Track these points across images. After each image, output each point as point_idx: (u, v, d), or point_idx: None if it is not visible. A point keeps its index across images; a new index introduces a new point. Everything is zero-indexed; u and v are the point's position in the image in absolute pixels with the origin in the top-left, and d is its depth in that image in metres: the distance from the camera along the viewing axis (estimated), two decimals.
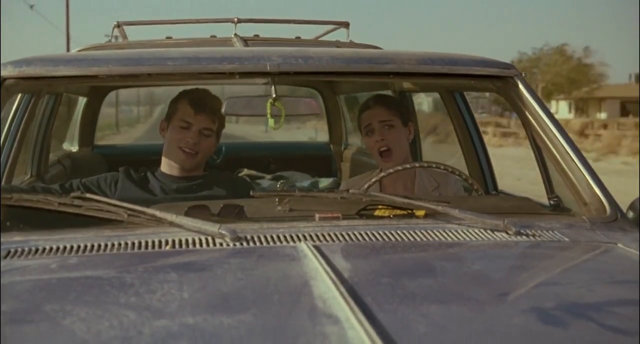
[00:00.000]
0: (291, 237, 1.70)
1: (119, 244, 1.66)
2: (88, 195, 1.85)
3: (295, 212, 1.92)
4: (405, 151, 2.79)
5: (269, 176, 4.26)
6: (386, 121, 2.77)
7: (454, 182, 2.75)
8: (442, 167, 2.43)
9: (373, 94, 3.35)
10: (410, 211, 1.93)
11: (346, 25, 3.45)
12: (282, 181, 4.06)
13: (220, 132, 2.69)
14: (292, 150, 5.04)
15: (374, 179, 2.38)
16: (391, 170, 2.44)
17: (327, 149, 4.85)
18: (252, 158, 4.56)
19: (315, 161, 4.67)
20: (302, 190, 2.11)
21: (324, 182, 4.06)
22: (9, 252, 1.63)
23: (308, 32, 3.65)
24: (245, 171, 4.30)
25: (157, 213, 1.76)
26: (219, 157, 4.52)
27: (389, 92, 3.77)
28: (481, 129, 3.36)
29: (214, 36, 3.20)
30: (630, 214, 2.04)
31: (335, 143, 4.84)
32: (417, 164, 2.63)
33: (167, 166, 2.63)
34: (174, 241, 1.67)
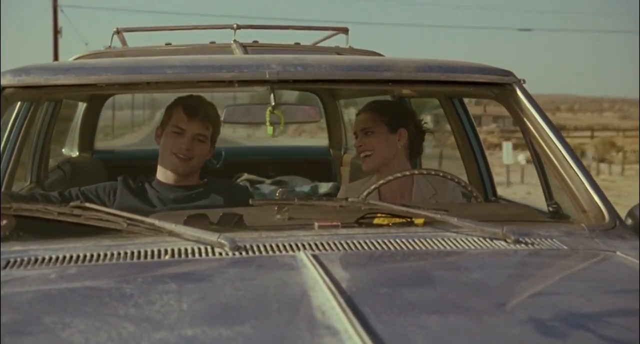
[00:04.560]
0: (290, 246, 1.70)
1: (118, 254, 1.66)
2: (87, 204, 1.85)
3: (294, 220, 1.93)
4: (387, 156, 2.79)
5: (268, 181, 4.26)
6: (366, 128, 2.82)
7: (451, 189, 2.75)
8: (441, 174, 2.44)
9: (372, 99, 3.36)
10: (409, 219, 1.93)
11: (345, 31, 3.45)
12: (281, 186, 4.05)
13: (216, 138, 2.70)
14: (292, 154, 5.04)
15: (372, 187, 2.38)
16: (390, 177, 2.44)
17: (326, 154, 4.85)
18: (252, 163, 4.55)
19: (315, 165, 4.67)
20: (301, 197, 2.11)
21: (324, 187, 4.06)
22: (8, 262, 1.63)
23: (307, 38, 3.66)
24: (245, 176, 4.29)
25: (156, 222, 1.77)
26: (219, 161, 4.52)
27: (387, 98, 3.77)
28: None
29: (214, 42, 3.21)
30: (629, 221, 2.04)
31: (335, 147, 4.84)
32: (416, 172, 2.63)
33: (162, 174, 2.63)
34: (173, 251, 1.67)
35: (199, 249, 1.68)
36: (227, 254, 1.65)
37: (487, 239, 1.80)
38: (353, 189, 2.77)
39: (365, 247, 1.73)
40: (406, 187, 2.80)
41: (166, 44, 3.24)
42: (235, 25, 3.17)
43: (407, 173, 2.53)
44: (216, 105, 2.68)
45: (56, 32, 28.73)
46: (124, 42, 3.49)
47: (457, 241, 1.79)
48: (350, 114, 4.92)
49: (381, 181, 2.44)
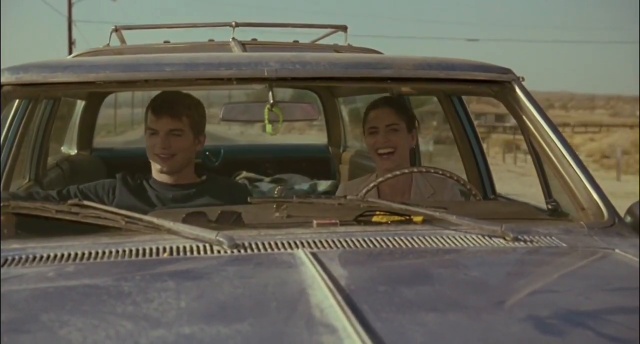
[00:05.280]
0: (289, 244, 1.70)
1: (117, 252, 1.66)
2: (86, 202, 1.84)
3: (292, 218, 1.92)
4: (406, 156, 2.78)
5: (267, 179, 4.26)
6: (392, 124, 2.75)
7: (450, 189, 2.74)
8: (440, 172, 2.43)
9: (374, 95, 3.34)
10: (407, 217, 1.93)
11: (344, 28, 3.44)
12: (280, 184, 4.05)
13: (199, 126, 2.63)
14: (291, 152, 5.04)
15: (371, 185, 2.37)
16: (389, 175, 2.43)
17: (325, 152, 4.85)
18: (251, 161, 4.55)
19: (314, 163, 4.66)
20: (299, 195, 2.11)
21: (323, 184, 4.06)
22: (6, 260, 1.62)
23: (306, 36, 3.66)
24: (244, 174, 4.29)
25: (155, 220, 1.76)
26: (217, 160, 4.51)
27: (386, 95, 3.77)
28: None
29: (212, 40, 3.20)
30: (628, 219, 2.04)
31: (334, 145, 4.84)
32: (415, 169, 2.62)
33: (156, 174, 2.62)
34: (171, 249, 1.67)
35: (198, 247, 1.68)
36: (225, 252, 1.65)
37: (486, 237, 1.80)
38: (352, 187, 2.76)
39: (364, 245, 1.73)
40: (405, 187, 2.79)
41: (164, 42, 3.24)
42: (233, 23, 3.17)
43: (406, 171, 2.53)
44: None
45: (70, 43, 32.45)
46: (122, 40, 3.48)
47: (455, 239, 1.78)
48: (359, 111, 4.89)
49: (380, 179, 2.44)
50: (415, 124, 2.82)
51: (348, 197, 2.00)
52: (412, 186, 2.79)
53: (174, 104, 2.58)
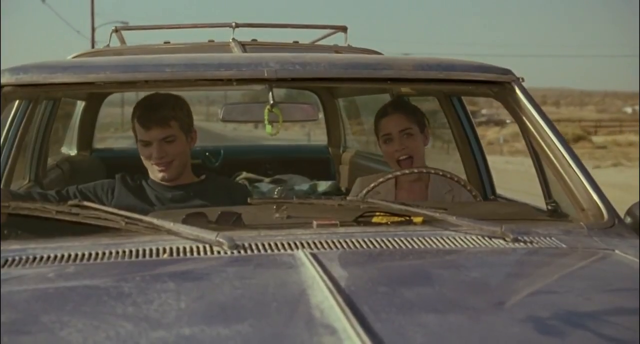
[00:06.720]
0: (289, 244, 1.70)
1: (117, 253, 1.66)
2: (86, 203, 1.85)
3: (292, 219, 1.92)
4: (423, 157, 2.77)
5: (267, 179, 4.26)
6: (405, 129, 2.73)
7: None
8: (440, 172, 2.43)
9: (374, 98, 3.34)
10: (407, 218, 1.93)
11: (344, 29, 3.44)
12: (280, 184, 4.06)
13: (188, 125, 2.58)
14: (291, 153, 5.05)
15: (372, 185, 2.37)
16: (390, 175, 2.44)
17: (325, 152, 4.85)
18: (251, 161, 4.55)
19: (314, 163, 4.67)
20: (300, 196, 2.11)
21: (323, 185, 4.06)
22: (6, 260, 1.62)
23: (306, 37, 3.66)
24: (244, 174, 4.30)
25: (155, 221, 1.76)
26: (218, 160, 4.52)
27: (387, 96, 3.77)
28: None
29: (212, 41, 3.20)
30: (628, 220, 2.04)
31: (334, 146, 4.84)
32: (415, 170, 2.62)
33: (154, 177, 2.60)
34: (171, 249, 1.67)
35: (198, 247, 1.68)
36: (225, 252, 1.65)
37: (486, 238, 1.80)
38: (368, 182, 2.71)
39: (364, 246, 1.73)
40: (423, 184, 2.78)
41: (165, 43, 3.24)
42: (234, 24, 3.17)
43: (407, 171, 2.52)
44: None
45: None
46: (122, 41, 3.48)
47: (455, 240, 1.78)
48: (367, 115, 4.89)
49: (381, 179, 2.44)
50: (426, 123, 2.81)
51: (348, 198, 2.01)
52: (430, 184, 2.77)
53: (159, 110, 2.52)
